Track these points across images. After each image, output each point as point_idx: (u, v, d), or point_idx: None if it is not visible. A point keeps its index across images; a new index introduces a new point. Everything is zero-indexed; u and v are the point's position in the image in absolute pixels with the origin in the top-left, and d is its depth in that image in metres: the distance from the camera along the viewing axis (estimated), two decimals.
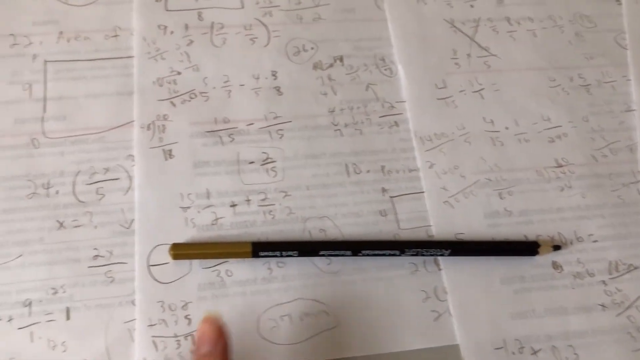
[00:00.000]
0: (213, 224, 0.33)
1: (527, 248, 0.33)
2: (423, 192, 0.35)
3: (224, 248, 0.31)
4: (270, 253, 0.31)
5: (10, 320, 0.30)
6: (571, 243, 0.34)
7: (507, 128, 0.37)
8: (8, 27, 0.37)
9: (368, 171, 0.35)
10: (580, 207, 0.35)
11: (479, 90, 0.38)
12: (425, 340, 0.31)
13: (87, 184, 0.33)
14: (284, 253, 0.31)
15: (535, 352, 0.31)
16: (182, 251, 0.31)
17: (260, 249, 0.31)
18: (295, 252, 0.31)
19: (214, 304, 0.31)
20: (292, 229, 0.33)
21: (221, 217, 0.33)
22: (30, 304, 0.30)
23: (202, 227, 0.33)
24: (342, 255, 0.32)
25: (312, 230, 0.33)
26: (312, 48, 0.38)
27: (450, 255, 0.32)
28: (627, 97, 0.39)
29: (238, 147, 0.35)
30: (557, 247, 0.33)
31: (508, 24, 0.40)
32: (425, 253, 0.32)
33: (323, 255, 0.32)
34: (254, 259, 0.31)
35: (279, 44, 0.38)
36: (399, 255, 0.32)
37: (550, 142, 0.37)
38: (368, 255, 0.32)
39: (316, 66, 0.38)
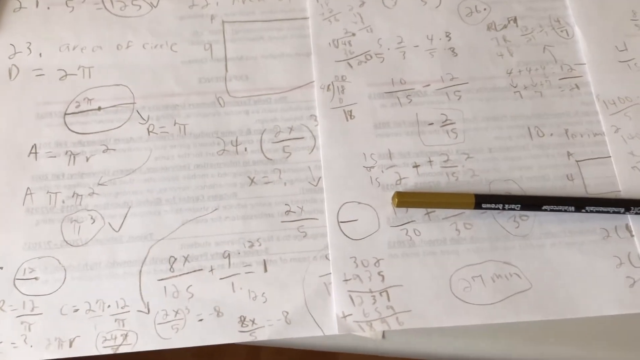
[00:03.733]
0: (397, 184, 0.33)
1: None
2: (609, 156, 0.34)
3: (447, 198, 0.32)
4: (492, 205, 0.31)
5: (211, 270, 0.31)
6: None
7: None
8: None
9: (551, 134, 0.34)
10: None
11: None
12: (621, 307, 0.31)
13: (274, 142, 0.34)
14: (506, 206, 0.31)
15: None
16: (406, 199, 0.31)
17: (483, 200, 0.31)
18: (517, 205, 0.31)
19: (405, 262, 0.31)
20: (476, 191, 0.33)
21: (405, 178, 0.33)
22: (229, 256, 0.31)
23: (386, 186, 0.33)
24: (565, 211, 0.31)
25: (498, 193, 0.33)
26: (484, 9, 0.37)
27: None
28: None
29: (416, 108, 0.35)
30: None
31: None
32: None
33: (545, 210, 0.31)
34: (476, 210, 0.32)
35: (451, 4, 0.37)
36: (623, 214, 0.31)
37: None
38: (593, 212, 0.31)
39: (490, 27, 0.37)
